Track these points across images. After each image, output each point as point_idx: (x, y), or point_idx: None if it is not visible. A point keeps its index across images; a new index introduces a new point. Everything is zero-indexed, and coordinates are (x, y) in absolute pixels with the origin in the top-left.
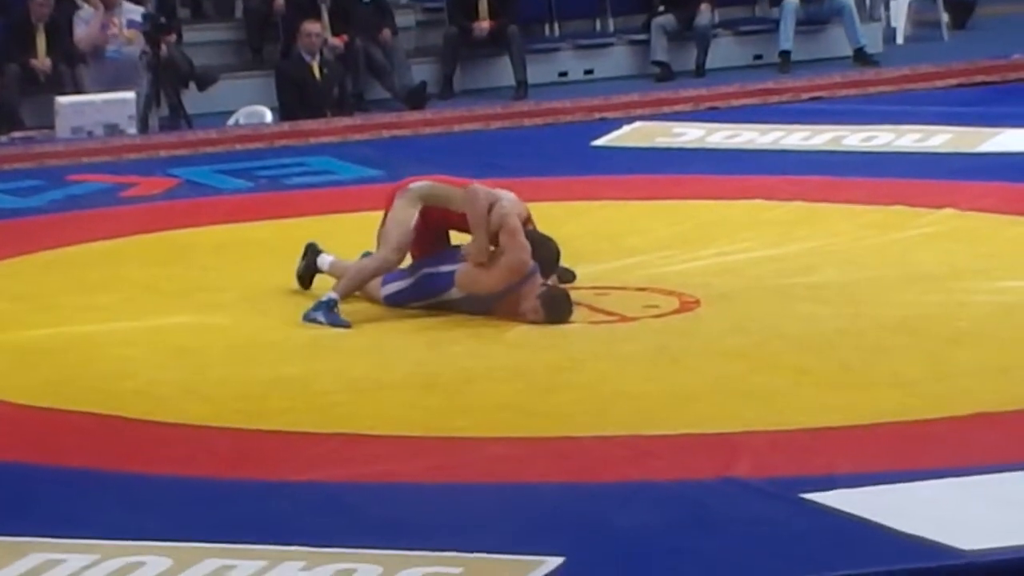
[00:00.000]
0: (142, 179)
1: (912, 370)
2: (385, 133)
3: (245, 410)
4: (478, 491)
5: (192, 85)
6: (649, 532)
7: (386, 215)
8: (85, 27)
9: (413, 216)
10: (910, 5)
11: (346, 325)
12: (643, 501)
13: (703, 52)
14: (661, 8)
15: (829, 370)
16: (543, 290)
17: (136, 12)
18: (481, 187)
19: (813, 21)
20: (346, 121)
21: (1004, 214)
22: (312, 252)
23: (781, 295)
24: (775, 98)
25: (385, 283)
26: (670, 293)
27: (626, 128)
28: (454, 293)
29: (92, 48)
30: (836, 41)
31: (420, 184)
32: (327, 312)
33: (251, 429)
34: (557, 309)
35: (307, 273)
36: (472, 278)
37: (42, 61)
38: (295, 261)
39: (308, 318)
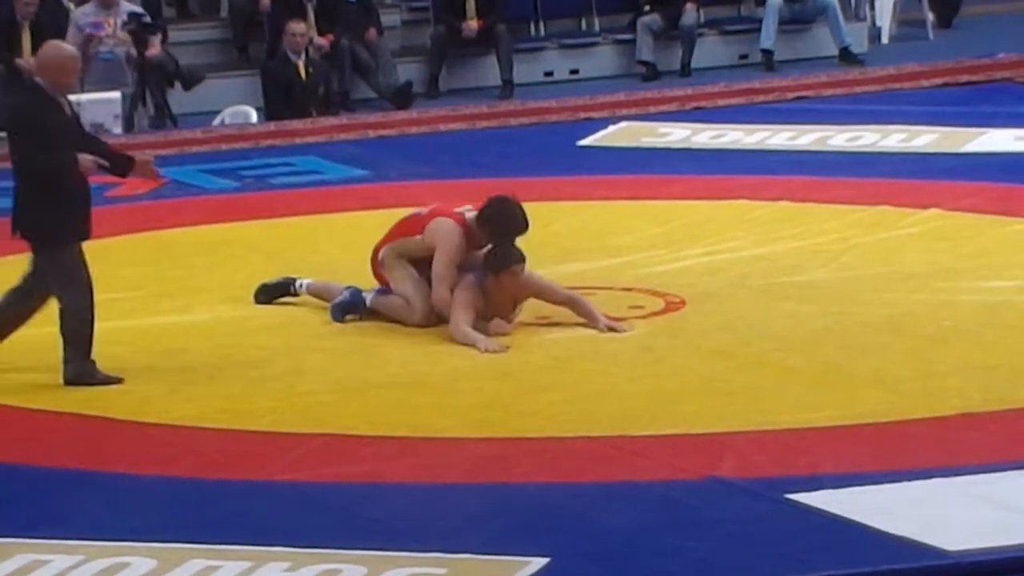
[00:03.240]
0: (127, 178)
1: (897, 369)
2: (371, 133)
3: (230, 410)
4: (463, 491)
5: (177, 84)
6: (634, 532)
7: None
8: (77, 32)
9: (408, 269)
10: (895, 4)
11: (339, 321)
12: (628, 501)
13: (688, 52)
14: (647, 8)
15: (814, 369)
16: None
17: (128, 12)
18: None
19: (798, 20)
20: (332, 121)
21: (989, 214)
22: (287, 280)
23: (766, 294)
24: (760, 98)
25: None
26: (655, 293)
27: (612, 128)
28: None
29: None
30: (821, 40)
31: (385, 250)
32: (346, 307)
33: (236, 429)
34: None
35: (276, 291)
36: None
37: (28, 60)
38: (280, 261)
39: (342, 298)
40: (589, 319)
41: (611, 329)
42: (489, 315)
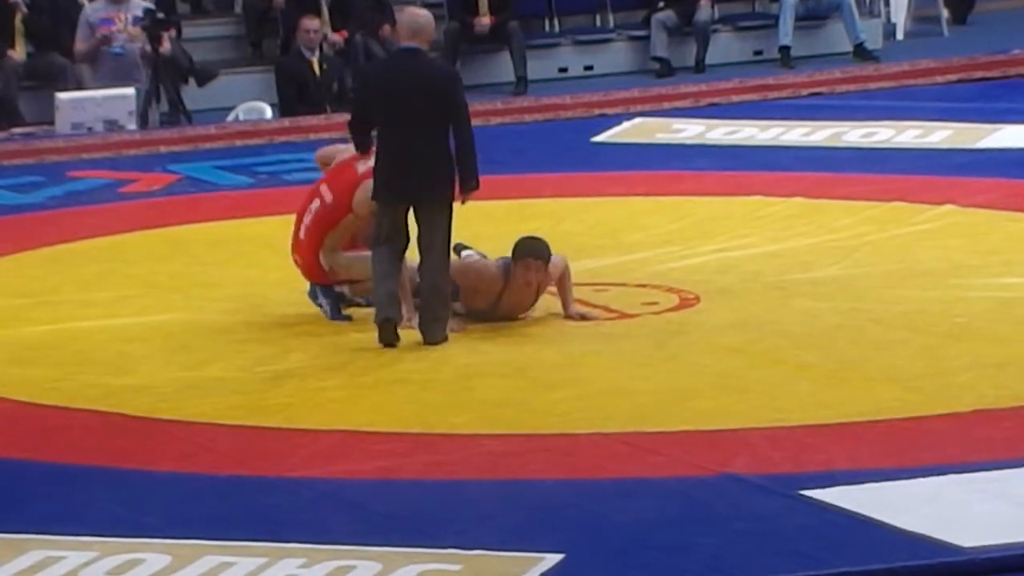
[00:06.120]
0: (142, 175)
1: (911, 366)
2: None
3: (244, 406)
4: (477, 487)
5: (191, 81)
6: (648, 528)
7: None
8: (88, 31)
9: (359, 259)
10: (910, 0)
11: (337, 319)
12: (642, 497)
13: (703, 48)
14: (661, 4)
15: (828, 366)
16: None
17: (142, 8)
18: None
19: (813, 17)
20: (346, 116)
21: (1003, 210)
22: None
23: (780, 291)
24: (775, 94)
25: None
26: (669, 290)
27: (626, 124)
28: (458, 307)
29: (87, 59)
30: (836, 37)
31: (325, 257)
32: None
33: (250, 425)
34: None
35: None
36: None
37: (17, 53)
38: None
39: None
40: (563, 303)
41: (582, 317)
42: (505, 304)
